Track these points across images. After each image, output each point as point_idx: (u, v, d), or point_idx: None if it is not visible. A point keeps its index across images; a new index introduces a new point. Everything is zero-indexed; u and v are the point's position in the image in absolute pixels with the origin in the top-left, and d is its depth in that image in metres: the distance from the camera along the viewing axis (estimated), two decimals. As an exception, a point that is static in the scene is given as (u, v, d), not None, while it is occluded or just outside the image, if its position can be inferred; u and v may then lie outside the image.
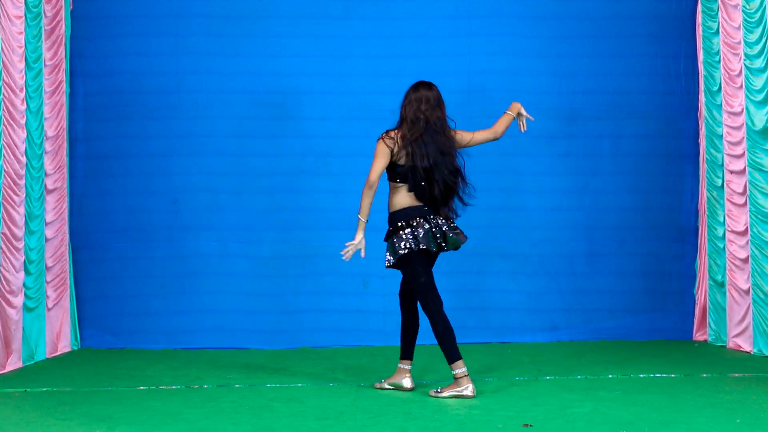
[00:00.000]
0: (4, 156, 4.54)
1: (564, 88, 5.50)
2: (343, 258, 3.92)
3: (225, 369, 4.65)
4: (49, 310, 5.07)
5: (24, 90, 4.74)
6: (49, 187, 5.11)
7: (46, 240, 5.06)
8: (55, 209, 5.16)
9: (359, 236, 3.92)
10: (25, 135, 4.75)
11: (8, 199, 4.57)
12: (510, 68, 5.51)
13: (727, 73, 4.97)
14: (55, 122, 5.15)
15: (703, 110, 5.25)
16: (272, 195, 5.43)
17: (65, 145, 5.29)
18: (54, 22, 5.10)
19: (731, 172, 4.99)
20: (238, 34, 5.46)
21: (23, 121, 4.73)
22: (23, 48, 4.72)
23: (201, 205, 5.42)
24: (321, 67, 5.46)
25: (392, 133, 3.92)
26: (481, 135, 3.98)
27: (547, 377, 4.28)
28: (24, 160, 4.74)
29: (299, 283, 5.40)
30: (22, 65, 4.71)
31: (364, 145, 5.48)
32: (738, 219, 4.93)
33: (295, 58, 5.46)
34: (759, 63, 4.68)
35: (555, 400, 3.76)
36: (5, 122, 4.55)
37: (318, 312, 5.42)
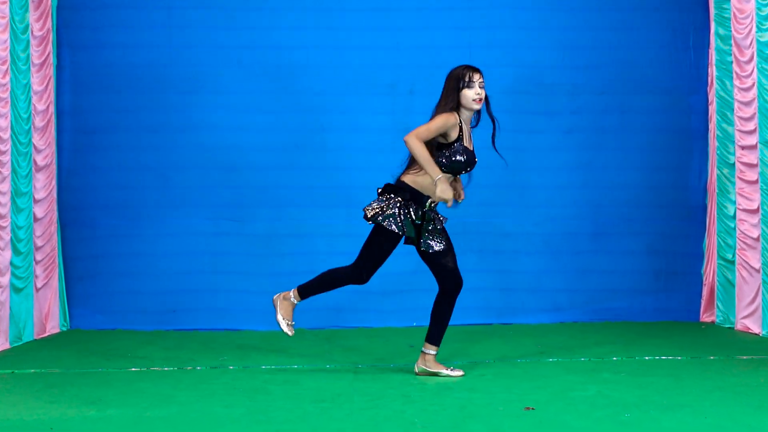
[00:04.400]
0: (-14, 131, 4.48)
1: (568, 61, 5.43)
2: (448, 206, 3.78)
3: (218, 350, 4.63)
4: (38, 290, 5.04)
5: (8, 62, 4.65)
6: (39, 163, 5.05)
7: (36, 219, 5.01)
8: (45, 187, 5.11)
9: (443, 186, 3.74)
10: (7, 109, 4.67)
11: (-9, 175, 4.52)
12: (512, 42, 5.44)
13: (739, 45, 4.90)
14: (44, 96, 5.08)
15: (713, 84, 5.19)
16: (266, 171, 5.38)
17: (54, 119, 5.22)
18: (40, -8, 5.01)
19: (743, 148, 4.94)
20: (232, 6, 5.38)
21: (6, 95, 4.65)
22: (7, 19, 4.63)
23: (193, 181, 5.37)
24: (317, 40, 5.39)
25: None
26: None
27: (550, 359, 4.26)
28: (6, 135, 4.66)
29: (294, 262, 5.37)
30: (5, 36, 4.62)
31: (360, 120, 5.44)
32: (750, 196, 4.89)
33: (291, 31, 5.39)
34: (772, 35, 4.61)
35: (558, 383, 3.75)
36: (-14, 96, 4.48)
37: (314, 292, 5.38)
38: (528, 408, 3.30)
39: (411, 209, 3.81)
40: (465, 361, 4.28)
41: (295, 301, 3.96)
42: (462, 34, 5.42)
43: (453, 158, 3.81)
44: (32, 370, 4.13)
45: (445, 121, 3.79)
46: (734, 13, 4.91)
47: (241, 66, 5.39)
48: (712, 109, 5.23)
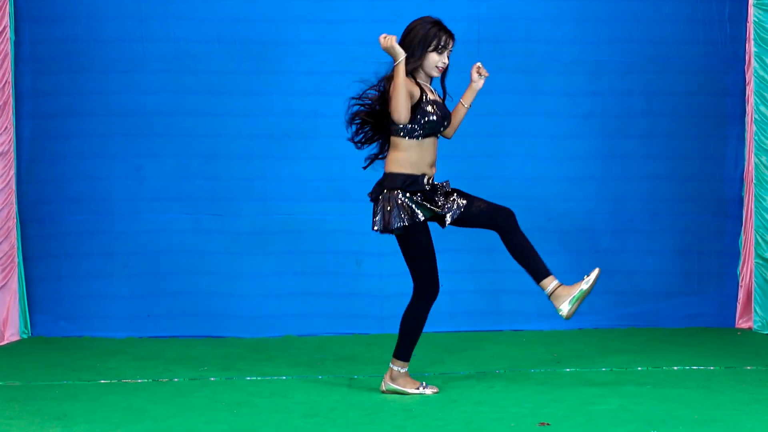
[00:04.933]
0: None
1: (587, 37, 5.43)
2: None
3: (198, 360, 4.64)
4: (-6, 292, 5.05)
5: (-41, 37, 4.66)
6: (-6, 151, 5.06)
7: (-8, 213, 5.02)
8: (2, 177, 5.11)
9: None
10: (-40, 89, 4.68)
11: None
12: (525, 14, 5.44)
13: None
14: (-2, 75, 5.08)
15: (752, 62, 5.18)
16: (251, 161, 5.39)
17: (11, 101, 5.22)
18: (-6, -43, 5.00)
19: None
20: (211, -27, 5.38)
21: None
22: (-45, -13, 4.62)
23: (169, 171, 5.38)
24: (306, 12, 5.39)
25: None
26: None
27: (567, 369, 4.28)
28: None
29: (283, 261, 5.38)
30: (-48, 8, 4.62)
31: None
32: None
33: (277, 2, 5.39)
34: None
35: (575, 396, 3.76)
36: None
37: (304, 295, 5.41)
38: (542, 423, 3.32)
39: (409, 194, 3.77)
40: (472, 370, 4.30)
41: (404, 370, 3.87)
42: (469, 4, 5.42)
43: (428, 121, 3.77)
44: (-11, 382, 4.15)
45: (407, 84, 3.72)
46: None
47: (221, 41, 5.38)
48: (750, 89, 5.23)
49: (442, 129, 3.87)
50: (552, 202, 5.48)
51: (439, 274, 3.87)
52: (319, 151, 5.42)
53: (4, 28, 5.11)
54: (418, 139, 3.78)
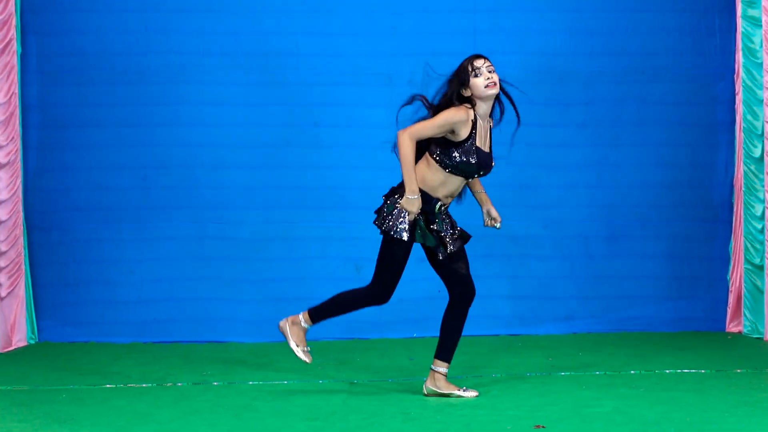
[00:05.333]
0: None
1: (581, 48, 5.44)
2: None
3: (201, 364, 4.63)
4: (2, 299, 5.03)
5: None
6: (2, 161, 5.05)
7: (0, 221, 5.00)
8: (9, 186, 5.11)
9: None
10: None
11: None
12: (520, 26, 5.44)
13: (768, 29, 4.90)
14: (5, 86, 5.07)
15: (740, 72, 5.19)
16: (254, 170, 5.39)
17: (18, 112, 5.22)
18: (2, -27, 5.01)
19: (772, 141, 4.95)
20: (214, -13, 5.39)
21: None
22: (-37, 2, 4.63)
23: (174, 181, 5.38)
24: (308, 25, 5.40)
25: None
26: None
27: (562, 373, 4.27)
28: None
29: (284, 268, 5.38)
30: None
31: (356, 114, 5.44)
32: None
33: (279, 15, 5.40)
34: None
35: (570, 399, 3.75)
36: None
37: (305, 300, 5.36)
38: (538, 426, 3.31)
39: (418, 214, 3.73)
40: (469, 375, 4.29)
41: (306, 326, 3.87)
42: (465, 17, 5.43)
43: (462, 159, 3.69)
44: (-3, 387, 4.14)
45: (451, 115, 3.66)
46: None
47: (224, 54, 5.39)
48: (739, 99, 5.23)
49: (475, 176, 3.79)
50: (547, 209, 5.48)
51: (396, 285, 3.82)
52: (318, 161, 5.42)
53: (10, 40, 5.12)
54: (446, 170, 3.73)
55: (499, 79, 3.76)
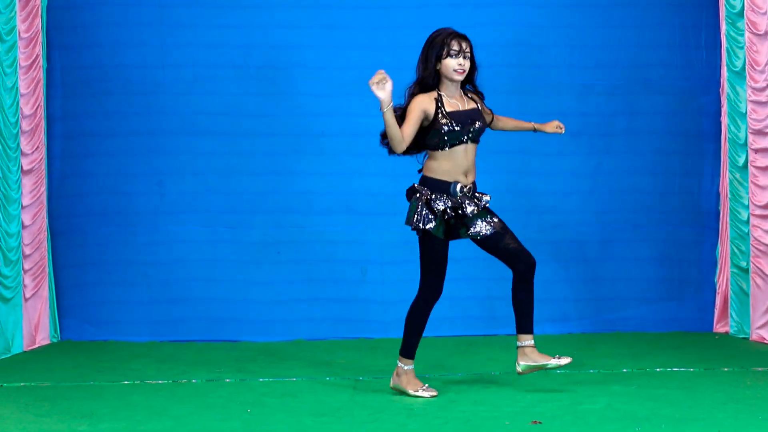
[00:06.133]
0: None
1: (575, 61, 5.45)
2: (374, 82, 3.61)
3: (214, 362, 4.64)
4: (26, 300, 5.05)
5: (-7, 65, 4.69)
6: (26, 168, 5.07)
7: (24, 226, 5.03)
8: (33, 192, 5.13)
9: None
10: (-5, 113, 4.70)
11: (-22, 181, 4.54)
12: (517, 40, 5.46)
13: (752, 45, 4.92)
14: (31, 99, 5.10)
15: (725, 85, 5.21)
16: (264, 177, 5.40)
17: (43, 123, 5.25)
18: (29, -8, 5.04)
19: (756, 151, 4.95)
20: (226, 3, 5.40)
21: (-7, 99, 4.68)
22: (-8, 19, 4.66)
23: (187, 187, 5.39)
24: (315, 39, 5.41)
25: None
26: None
27: (558, 371, 4.26)
28: (-5, 139, 4.70)
29: (293, 270, 5.39)
30: (-9, 38, 4.66)
31: (361, 124, 5.45)
32: (762, 201, 4.90)
33: (288, 30, 5.41)
34: (786, 34, 4.63)
35: (566, 396, 3.76)
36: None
37: (313, 301, 5.41)
38: (535, 422, 3.31)
39: (440, 202, 3.69)
40: (468, 372, 4.29)
41: (408, 368, 3.80)
42: (464, 31, 5.38)
43: (445, 128, 3.67)
44: (21, 384, 4.15)
45: (415, 102, 3.69)
46: (748, 9, 4.92)
47: (235, 67, 5.41)
48: (724, 110, 5.25)
49: (469, 136, 3.73)
50: (543, 214, 5.49)
51: (444, 282, 3.79)
52: (325, 168, 5.43)
53: (37, 57, 5.15)
54: (445, 149, 3.71)
55: (475, 67, 3.79)
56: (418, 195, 3.76)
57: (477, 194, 3.82)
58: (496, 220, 3.79)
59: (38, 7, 5.14)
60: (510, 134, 5.43)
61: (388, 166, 5.57)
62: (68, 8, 5.34)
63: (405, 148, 3.72)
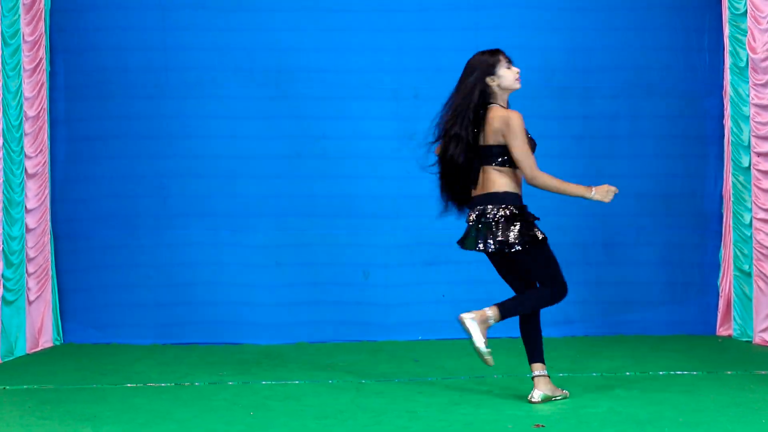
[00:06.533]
0: (-23, 138, 4.51)
1: (578, 64, 5.46)
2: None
3: (217, 365, 4.65)
4: (30, 303, 5.06)
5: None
6: (30, 171, 5.09)
7: (28, 229, 5.04)
8: (37, 196, 5.14)
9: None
10: (0, 116, 4.71)
11: (-18, 184, 4.55)
12: (519, 43, 5.45)
13: (754, 48, 4.92)
14: (35, 102, 5.12)
15: (728, 88, 5.21)
16: (267, 180, 5.41)
17: (46, 126, 5.26)
18: (33, -5, 5.06)
19: (758, 154, 4.95)
20: (228, 7, 5.42)
21: (-2, 101, 4.70)
22: (-3, 22, 4.68)
23: (191, 190, 5.40)
24: (317, 42, 5.43)
25: None
26: None
27: (560, 374, 4.27)
28: (0, 142, 4.70)
29: (296, 273, 5.39)
30: (-5, 41, 4.67)
31: (363, 127, 5.46)
32: (765, 205, 4.90)
33: (290, 33, 5.42)
34: (789, 37, 4.63)
35: (568, 399, 3.76)
36: (-22, 102, 4.51)
37: (316, 304, 5.41)
38: (538, 425, 3.31)
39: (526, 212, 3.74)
40: (471, 375, 4.29)
41: (492, 322, 3.66)
42: (467, 35, 5.45)
43: (532, 149, 3.71)
44: (24, 386, 4.16)
45: (519, 119, 3.68)
46: (751, 12, 4.93)
47: (238, 70, 5.42)
48: (727, 113, 5.25)
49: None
50: (546, 217, 5.44)
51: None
52: (328, 171, 5.44)
53: (40, 60, 5.17)
54: (515, 167, 3.71)
55: None
56: (508, 214, 3.69)
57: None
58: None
59: (42, 11, 5.16)
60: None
61: (389, 168, 5.57)
62: (71, 11, 5.35)
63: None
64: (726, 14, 5.16)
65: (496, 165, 3.74)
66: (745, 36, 4.98)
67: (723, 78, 5.31)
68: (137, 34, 5.38)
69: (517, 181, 3.80)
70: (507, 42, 5.43)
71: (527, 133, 3.77)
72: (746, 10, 4.96)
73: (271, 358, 4.83)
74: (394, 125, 5.43)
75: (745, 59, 5.03)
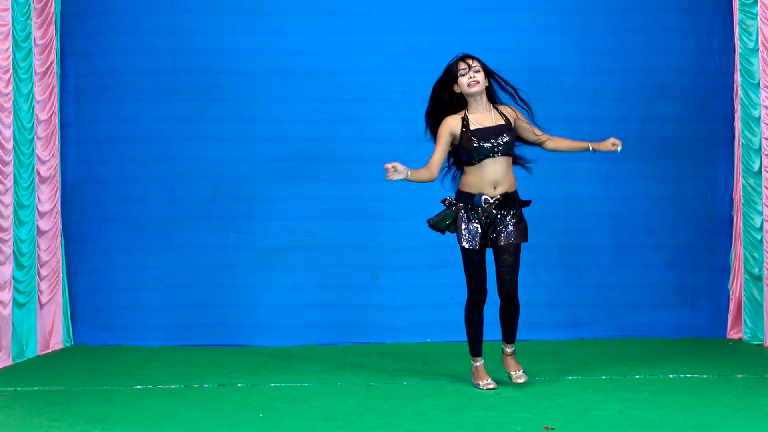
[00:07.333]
0: (-12, 141, 4.55)
1: (587, 66, 5.45)
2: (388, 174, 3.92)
3: (226, 367, 4.67)
4: (42, 305, 5.10)
5: (10, 71, 4.74)
6: (43, 174, 5.12)
7: (42, 232, 5.08)
8: (50, 199, 5.18)
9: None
10: (11, 119, 4.75)
11: (-7, 187, 4.59)
12: (528, 46, 5.47)
13: (766, 49, 4.91)
14: (47, 105, 5.16)
15: (738, 91, 5.19)
16: (275, 182, 5.43)
17: (57, 130, 5.30)
18: (44, 0, 5.09)
19: (769, 157, 4.94)
20: (238, 10, 5.44)
21: (9, 105, 4.73)
22: (8, 26, 4.71)
23: (200, 193, 5.43)
24: (325, 45, 5.44)
25: None
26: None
27: (569, 377, 4.27)
28: (9, 145, 4.74)
29: (304, 275, 5.41)
30: (7, 45, 4.70)
31: (372, 129, 5.47)
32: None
33: (298, 36, 5.44)
34: (800, 39, 4.62)
35: (577, 402, 3.76)
36: (-13, 106, 4.55)
37: (324, 307, 5.43)
38: (547, 428, 3.31)
39: (468, 212, 3.96)
40: (481, 378, 4.29)
41: (478, 364, 4.06)
42: (476, 37, 5.45)
43: (474, 149, 3.93)
44: (35, 388, 4.19)
45: (442, 126, 4.01)
46: (761, 15, 4.91)
47: (247, 73, 5.44)
48: (738, 116, 5.23)
49: (496, 150, 3.98)
50: (555, 220, 5.48)
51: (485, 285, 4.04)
52: (336, 173, 5.45)
53: (51, 63, 5.21)
54: (473, 164, 3.96)
55: (500, 78, 4.04)
56: (454, 207, 4.01)
57: (507, 203, 4.03)
58: (510, 239, 4.02)
59: (53, 14, 5.20)
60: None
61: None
62: (82, 15, 5.39)
63: (437, 174, 4.02)
64: (737, 17, 5.15)
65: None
66: (757, 37, 4.96)
67: (733, 80, 5.30)
68: (147, 37, 5.41)
69: (467, 179, 4.02)
70: (517, 45, 5.47)
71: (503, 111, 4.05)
72: (757, 12, 4.95)
73: (279, 360, 4.84)
74: (402, 128, 5.44)
75: (755, 62, 5.01)
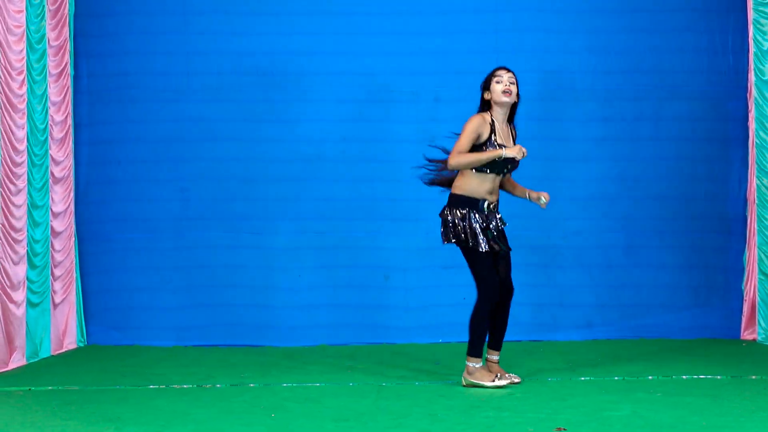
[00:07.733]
0: (2, 143, 4.56)
1: (600, 66, 5.44)
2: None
3: (238, 367, 4.68)
4: (56, 305, 5.13)
5: (24, 73, 4.76)
6: (57, 175, 5.15)
7: (55, 233, 5.10)
8: (64, 199, 5.21)
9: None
10: (24, 120, 4.78)
11: (5, 188, 4.60)
12: (540, 46, 5.46)
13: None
14: (62, 107, 5.19)
15: (752, 90, 5.16)
16: (286, 183, 5.45)
17: (71, 131, 5.33)
18: (58, 1, 5.13)
19: (783, 157, 4.91)
20: (249, 11, 5.46)
21: (23, 106, 4.76)
22: (22, 28, 4.74)
23: (211, 193, 5.45)
24: (336, 45, 5.46)
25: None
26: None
27: (582, 378, 4.26)
28: (22, 146, 4.77)
29: (315, 275, 5.42)
30: (21, 46, 4.73)
31: (382, 130, 5.48)
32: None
33: (310, 36, 5.46)
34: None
35: (590, 403, 3.75)
36: (2, 107, 4.57)
37: (336, 307, 5.43)
38: (559, 429, 3.30)
39: (474, 217, 4.04)
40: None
41: (478, 365, 4.08)
42: (487, 38, 5.45)
43: (495, 163, 4.01)
44: (49, 387, 4.21)
45: (471, 123, 4.03)
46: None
47: (258, 74, 5.46)
48: (751, 116, 5.20)
49: (506, 170, 4.10)
50: (567, 220, 5.47)
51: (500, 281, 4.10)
52: (348, 174, 5.46)
53: (65, 65, 5.24)
54: (484, 173, 4.05)
55: (517, 95, 4.11)
56: (454, 212, 4.08)
57: (497, 213, 4.15)
58: (504, 246, 4.13)
59: (66, 16, 5.23)
60: (534, 138, 5.45)
61: (409, 172, 5.59)
62: (95, 17, 5.42)
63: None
64: (751, 16, 5.12)
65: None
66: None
67: (747, 80, 5.27)
68: (159, 38, 5.44)
69: (469, 184, 4.07)
70: (529, 45, 5.46)
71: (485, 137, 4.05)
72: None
73: (291, 360, 4.85)
74: (414, 128, 5.45)
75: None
